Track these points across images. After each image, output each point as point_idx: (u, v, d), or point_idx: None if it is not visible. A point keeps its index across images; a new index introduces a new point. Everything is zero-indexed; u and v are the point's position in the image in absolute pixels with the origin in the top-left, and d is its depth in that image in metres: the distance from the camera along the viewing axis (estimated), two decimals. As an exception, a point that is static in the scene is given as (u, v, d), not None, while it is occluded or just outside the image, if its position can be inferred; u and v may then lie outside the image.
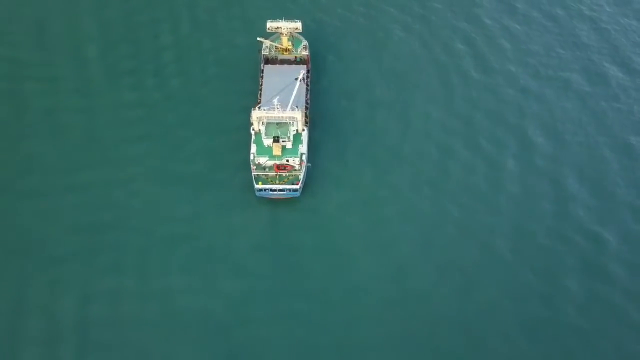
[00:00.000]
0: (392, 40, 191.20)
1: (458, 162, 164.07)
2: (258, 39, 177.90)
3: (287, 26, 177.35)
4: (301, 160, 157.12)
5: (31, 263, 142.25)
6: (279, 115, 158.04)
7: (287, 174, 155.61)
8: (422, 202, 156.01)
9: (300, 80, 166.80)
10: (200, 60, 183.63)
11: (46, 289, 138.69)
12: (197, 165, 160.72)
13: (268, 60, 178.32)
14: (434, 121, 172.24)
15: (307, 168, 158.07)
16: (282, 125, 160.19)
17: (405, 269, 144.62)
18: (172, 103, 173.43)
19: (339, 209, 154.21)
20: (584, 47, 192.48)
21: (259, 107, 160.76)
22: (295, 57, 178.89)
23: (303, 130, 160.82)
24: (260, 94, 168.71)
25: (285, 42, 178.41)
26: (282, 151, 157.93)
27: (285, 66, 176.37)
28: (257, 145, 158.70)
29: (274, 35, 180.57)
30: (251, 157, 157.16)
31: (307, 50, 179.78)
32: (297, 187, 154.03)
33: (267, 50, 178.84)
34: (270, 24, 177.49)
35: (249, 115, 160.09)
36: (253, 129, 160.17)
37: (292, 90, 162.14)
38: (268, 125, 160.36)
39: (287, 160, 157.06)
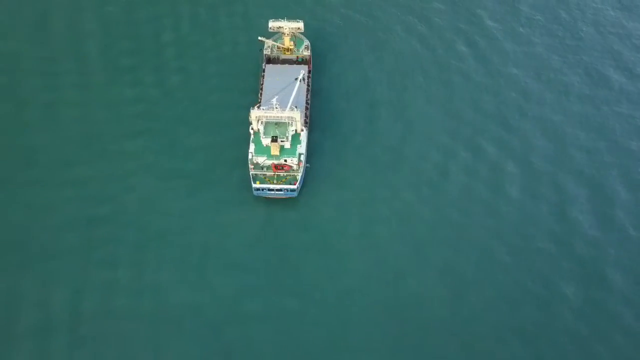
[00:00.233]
0: (394, 40, 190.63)
1: (457, 163, 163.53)
2: (259, 38, 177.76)
3: (290, 26, 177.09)
4: (299, 160, 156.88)
5: (25, 256, 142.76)
6: (278, 115, 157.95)
7: (285, 174, 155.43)
8: (420, 203, 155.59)
9: (300, 81, 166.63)
10: (201, 58, 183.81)
11: (40, 282, 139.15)
12: (195, 162, 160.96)
13: (270, 60, 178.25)
14: (435, 122, 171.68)
15: (305, 168, 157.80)
16: (280, 125, 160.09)
17: (400, 271, 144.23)
18: (171, 99, 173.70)
19: (336, 210, 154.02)
20: (586, 50, 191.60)
21: (258, 107, 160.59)
22: (297, 57, 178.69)
23: (302, 130, 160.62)
24: (261, 93, 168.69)
25: (287, 42, 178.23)
26: (280, 151, 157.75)
27: (287, 66, 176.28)
28: (255, 145, 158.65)
29: (276, 35, 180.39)
30: (249, 156, 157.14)
31: (309, 51, 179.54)
32: (295, 187, 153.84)
33: (269, 49, 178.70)
34: (273, 24, 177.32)
35: (248, 114, 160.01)
36: (252, 128, 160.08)
37: (292, 90, 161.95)
38: (267, 124, 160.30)
39: (285, 160, 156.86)
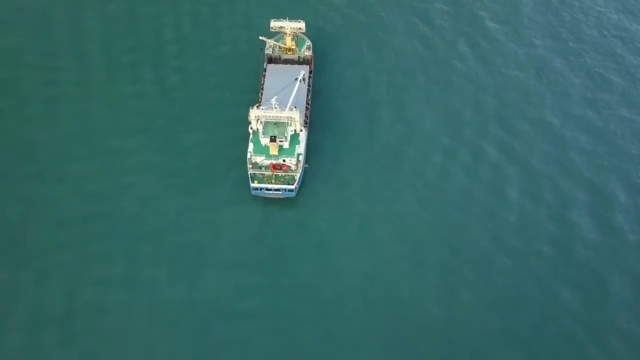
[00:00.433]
0: (395, 40, 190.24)
1: (457, 164, 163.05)
2: (260, 38, 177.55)
3: (291, 26, 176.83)
4: (298, 160, 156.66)
5: (21, 250, 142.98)
6: (277, 114, 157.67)
7: (284, 174, 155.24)
8: (419, 204, 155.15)
9: (300, 81, 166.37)
10: (201, 56, 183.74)
11: (35, 277, 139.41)
12: (194, 160, 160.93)
13: (271, 60, 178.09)
14: (435, 123, 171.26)
15: (304, 169, 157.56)
16: (280, 125, 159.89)
17: (398, 272, 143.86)
18: (171, 97, 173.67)
19: (334, 210, 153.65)
20: (588, 53, 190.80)
21: (258, 106, 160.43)
22: (299, 57, 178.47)
23: (301, 130, 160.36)
24: (262, 92, 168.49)
25: (289, 42, 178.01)
26: (279, 151, 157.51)
27: (288, 66, 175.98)
28: (254, 144, 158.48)
29: (278, 34, 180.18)
30: (248, 155, 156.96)
31: (311, 51, 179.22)
32: (293, 187, 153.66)
33: (271, 49, 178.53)
34: (274, 24, 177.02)
35: (247, 113, 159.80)
36: (251, 128, 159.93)
37: (292, 90, 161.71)
38: (266, 124, 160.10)
39: (284, 160, 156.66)
